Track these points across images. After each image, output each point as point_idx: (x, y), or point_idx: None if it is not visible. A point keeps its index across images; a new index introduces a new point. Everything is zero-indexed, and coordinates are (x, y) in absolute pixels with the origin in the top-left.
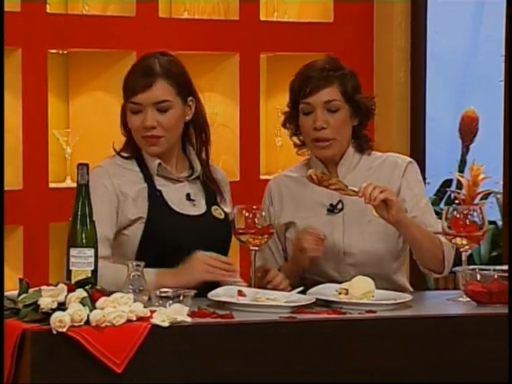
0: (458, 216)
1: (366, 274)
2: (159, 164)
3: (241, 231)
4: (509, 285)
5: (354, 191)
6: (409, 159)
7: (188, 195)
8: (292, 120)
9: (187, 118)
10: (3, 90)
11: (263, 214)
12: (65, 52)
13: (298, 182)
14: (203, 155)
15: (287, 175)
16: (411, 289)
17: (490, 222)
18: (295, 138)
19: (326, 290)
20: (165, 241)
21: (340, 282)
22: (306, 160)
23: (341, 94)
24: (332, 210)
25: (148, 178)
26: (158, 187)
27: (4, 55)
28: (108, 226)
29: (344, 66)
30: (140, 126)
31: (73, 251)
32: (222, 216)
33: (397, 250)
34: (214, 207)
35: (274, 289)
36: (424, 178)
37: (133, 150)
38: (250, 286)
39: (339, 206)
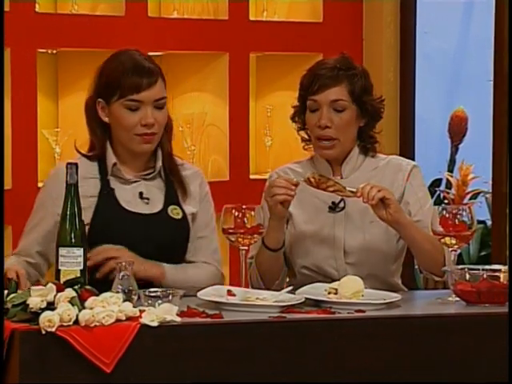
0: (447, 215)
1: (364, 274)
2: (114, 164)
3: (230, 231)
4: (509, 285)
5: (351, 192)
6: (413, 163)
7: (141, 194)
8: (300, 115)
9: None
10: (3, 89)
11: (252, 213)
12: (54, 51)
13: (301, 177)
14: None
15: (291, 168)
16: (406, 290)
17: (479, 222)
18: (303, 133)
19: (316, 290)
20: (112, 238)
21: (337, 281)
22: (311, 156)
23: (348, 94)
24: (334, 208)
25: (104, 178)
26: (113, 186)
27: (4, 55)
28: (38, 237)
29: (356, 65)
30: (137, 123)
31: (62, 251)
32: (179, 216)
33: (396, 252)
34: (172, 207)
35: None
36: None
37: (97, 150)
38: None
39: (341, 205)
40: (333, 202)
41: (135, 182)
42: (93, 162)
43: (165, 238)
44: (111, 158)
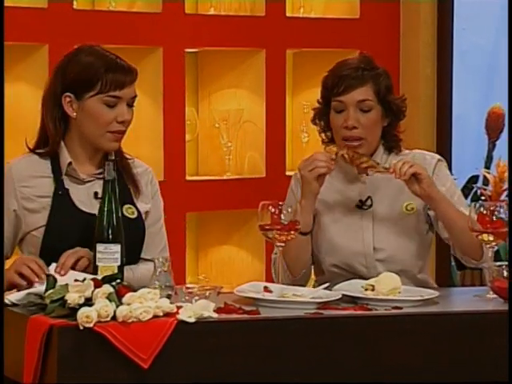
0: (484, 212)
1: (394, 270)
2: (69, 164)
3: (267, 227)
4: (509, 284)
5: (385, 168)
6: (438, 156)
7: (96, 194)
8: (322, 116)
9: None
10: (3, 89)
11: (289, 209)
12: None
13: (328, 175)
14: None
15: None
16: (435, 286)
17: None
18: (323, 135)
19: (352, 286)
20: (66, 241)
21: (366, 278)
22: (335, 155)
23: (374, 94)
24: (361, 206)
25: (57, 178)
26: (67, 186)
27: (4, 54)
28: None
29: (378, 65)
30: (112, 120)
31: (99, 247)
32: (134, 215)
33: (423, 248)
34: (126, 206)
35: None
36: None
37: (50, 147)
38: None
39: (368, 203)
40: (360, 200)
41: (89, 181)
42: (44, 160)
43: (127, 239)
44: (66, 157)
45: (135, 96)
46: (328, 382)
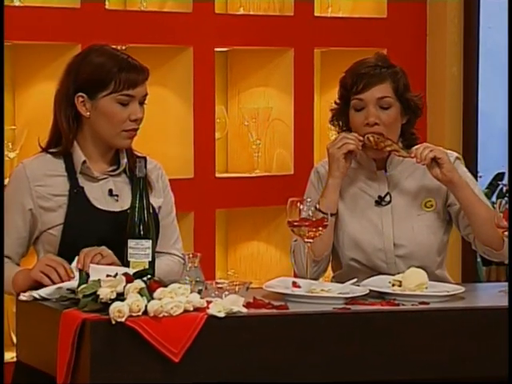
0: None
1: (413, 266)
2: (83, 162)
3: (295, 224)
4: (509, 281)
5: (407, 152)
6: (455, 154)
7: (110, 191)
8: (341, 116)
9: None
10: (3, 89)
11: (317, 206)
12: (123, 48)
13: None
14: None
15: None
16: (453, 282)
17: None
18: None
19: (380, 282)
20: (84, 239)
21: (385, 274)
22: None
23: (393, 91)
24: (380, 202)
25: (72, 176)
26: (82, 184)
27: (4, 54)
28: (14, 237)
29: (394, 64)
30: (126, 118)
31: (131, 243)
32: (150, 210)
33: (442, 244)
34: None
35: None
36: (476, 172)
37: (62, 146)
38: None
39: (387, 199)
40: (379, 196)
41: (103, 179)
42: (58, 159)
43: None
44: (79, 156)
45: (146, 94)
46: (355, 375)
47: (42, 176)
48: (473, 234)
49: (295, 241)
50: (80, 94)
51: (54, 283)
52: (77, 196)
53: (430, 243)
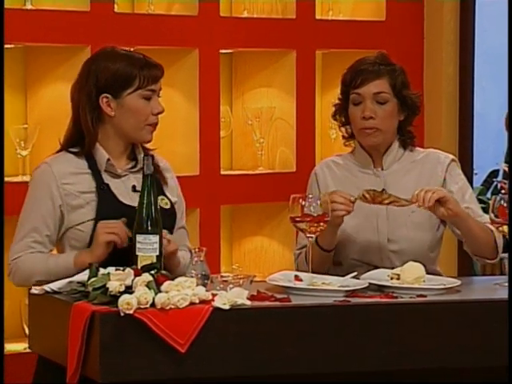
0: (504, 205)
1: (405, 262)
2: (108, 160)
3: (297, 219)
4: (509, 283)
5: (407, 200)
6: (451, 156)
7: (134, 187)
8: (342, 111)
9: None
10: (3, 89)
11: (318, 202)
12: (131, 49)
13: (342, 168)
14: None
15: (333, 160)
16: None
17: None
18: (343, 130)
19: (379, 275)
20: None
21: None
22: (352, 150)
23: (390, 87)
24: None
25: (96, 174)
26: (106, 181)
27: (4, 54)
28: (45, 226)
29: (394, 62)
30: (149, 112)
31: (139, 237)
32: (168, 206)
33: (435, 241)
34: (160, 197)
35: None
36: (472, 169)
37: (84, 145)
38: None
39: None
40: (383, 190)
41: (124, 175)
42: (80, 158)
43: (164, 229)
44: (103, 154)
45: (161, 89)
46: (355, 366)
47: (68, 174)
48: (468, 249)
49: (299, 249)
50: (104, 94)
51: (121, 243)
52: (104, 193)
53: (422, 240)
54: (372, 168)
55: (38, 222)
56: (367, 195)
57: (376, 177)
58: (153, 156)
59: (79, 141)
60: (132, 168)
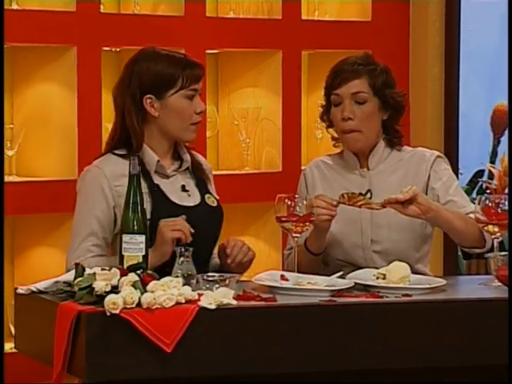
0: (490, 205)
1: (391, 262)
2: (157, 161)
3: (283, 219)
4: (509, 282)
5: (378, 204)
6: (437, 153)
7: (183, 186)
8: (327, 112)
9: None
10: (3, 89)
11: (304, 202)
12: (117, 50)
13: (331, 169)
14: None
15: (323, 160)
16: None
17: None
18: (332, 131)
19: (365, 275)
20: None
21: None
22: (341, 150)
23: (369, 87)
24: None
25: (145, 175)
26: (156, 182)
27: (4, 55)
28: (100, 226)
29: (377, 62)
30: (193, 112)
31: (125, 237)
32: (215, 204)
33: (420, 241)
34: (206, 195)
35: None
36: (457, 169)
37: (131, 146)
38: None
39: (368, 196)
40: (360, 193)
41: (172, 175)
42: (127, 160)
43: (209, 226)
44: (152, 155)
45: (201, 88)
46: (341, 365)
47: (119, 176)
48: (455, 241)
49: (288, 250)
50: (148, 95)
51: (185, 238)
52: (156, 194)
53: (406, 240)
54: (358, 168)
55: (95, 225)
56: (345, 196)
57: (362, 177)
58: (139, 156)
59: (125, 143)
60: (179, 168)
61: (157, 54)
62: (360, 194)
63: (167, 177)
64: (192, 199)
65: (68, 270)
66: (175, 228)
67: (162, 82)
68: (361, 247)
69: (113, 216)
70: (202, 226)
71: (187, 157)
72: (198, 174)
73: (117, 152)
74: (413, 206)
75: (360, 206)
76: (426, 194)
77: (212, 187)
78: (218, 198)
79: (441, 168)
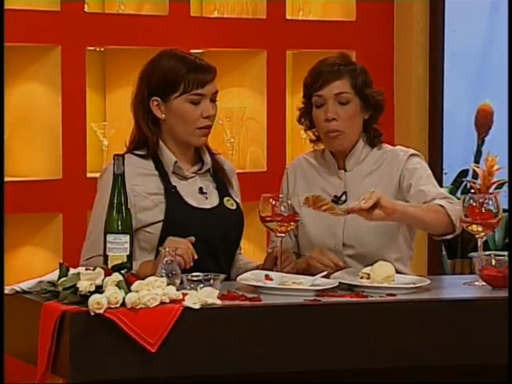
0: (474, 204)
1: (368, 265)
2: (175, 162)
3: (268, 219)
4: (509, 280)
5: (342, 210)
6: (411, 151)
7: (201, 189)
8: (306, 114)
9: None
10: (3, 89)
11: (289, 202)
12: (102, 49)
13: (312, 168)
14: (209, 146)
15: (306, 158)
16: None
17: (504, 211)
18: (310, 133)
19: (349, 275)
20: (183, 235)
21: None
22: (323, 149)
23: (351, 87)
24: (336, 201)
25: (163, 175)
26: (173, 183)
27: (4, 54)
28: None
29: (355, 62)
30: (199, 116)
31: (109, 237)
32: (234, 206)
33: (396, 242)
34: (225, 198)
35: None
36: (441, 169)
37: (149, 147)
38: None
39: (343, 198)
40: (335, 196)
41: (191, 177)
42: (146, 160)
43: (227, 229)
44: (170, 156)
45: (217, 91)
46: (325, 364)
47: (136, 175)
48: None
49: (271, 248)
50: (154, 98)
51: (184, 265)
52: (173, 195)
53: (378, 243)
54: (336, 169)
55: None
56: (310, 197)
57: (338, 179)
58: (123, 156)
59: (144, 143)
60: (199, 170)
61: (168, 56)
62: (334, 197)
63: (185, 178)
64: (209, 202)
65: (81, 266)
66: (176, 252)
67: (165, 84)
68: (333, 251)
69: None
70: (218, 228)
71: (208, 159)
72: (219, 176)
73: (136, 152)
74: (377, 211)
75: (324, 211)
76: (401, 193)
77: (234, 190)
78: (238, 201)
79: (413, 166)
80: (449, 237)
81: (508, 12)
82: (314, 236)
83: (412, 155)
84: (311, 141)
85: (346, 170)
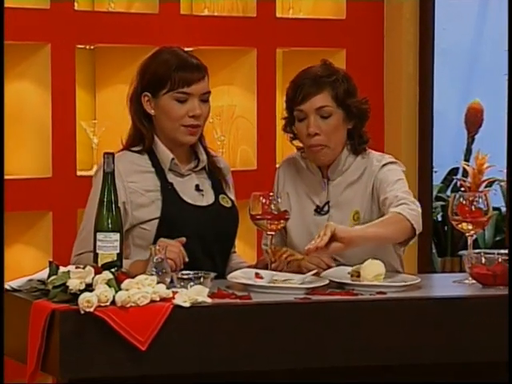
0: (464, 202)
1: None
2: (172, 159)
3: (258, 217)
4: (509, 279)
5: (301, 254)
6: (386, 160)
7: (197, 186)
8: (290, 125)
9: None
10: (3, 88)
11: (279, 200)
12: (92, 47)
13: (301, 172)
14: (204, 144)
15: (296, 159)
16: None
17: (495, 209)
18: (296, 142)
19: (339, 273)
20: (179, 233)
21: None
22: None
23: (332, 100)
24: (319, 211)
25: (160, 172)
26: (170, 180)
27: (4, 54)
28: None
29: (338, 70)
30: (185, 114)
31: (99, 235)
32: (230, 204)
33: (383, 248)
34: (221, 196)
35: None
36: (431, 167)
37: (145, 143)
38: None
39: (325, 209)
40: (317, 206)
41: (187, 175)
42: (143, 156)
43: (222, 227)
44: (166, 153)
45: (207, 92)
46: (315, 362)
47: (132, 172)
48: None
49: (265, 245)
50: (145, 93)
51: (175, 268)
52: (169, 192)
53: (357, 255)
54: (320, 178)
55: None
56: (270, 250)
57: (322, 189)
58: (113, 154)
59: (140, 139)
60: (195, 167)
61: (164, 53)
62: (317, 207)
63: (182, 175)
64: (205, 199)
65: (72, 261)
66: (167, 256)
67: (155, 80)
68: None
69: (122, 211)
70: (214, 225)
71: (203, 157)
72: (214, 174)
73: (133, 149)
74: (335, 244)
75: (285, 259)
76: (375, 203)
77: (229, 188)
78: (233, 199)
79: (383, 173)
80: (411, 242)
81: (508, 12)
82: (296, 243)
83: (385, 164)
84: (298, 149)
85: (328, 179)
